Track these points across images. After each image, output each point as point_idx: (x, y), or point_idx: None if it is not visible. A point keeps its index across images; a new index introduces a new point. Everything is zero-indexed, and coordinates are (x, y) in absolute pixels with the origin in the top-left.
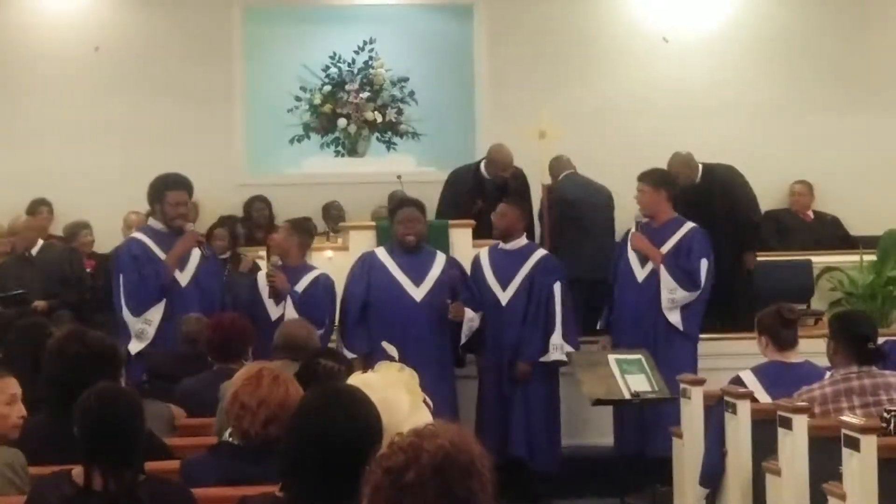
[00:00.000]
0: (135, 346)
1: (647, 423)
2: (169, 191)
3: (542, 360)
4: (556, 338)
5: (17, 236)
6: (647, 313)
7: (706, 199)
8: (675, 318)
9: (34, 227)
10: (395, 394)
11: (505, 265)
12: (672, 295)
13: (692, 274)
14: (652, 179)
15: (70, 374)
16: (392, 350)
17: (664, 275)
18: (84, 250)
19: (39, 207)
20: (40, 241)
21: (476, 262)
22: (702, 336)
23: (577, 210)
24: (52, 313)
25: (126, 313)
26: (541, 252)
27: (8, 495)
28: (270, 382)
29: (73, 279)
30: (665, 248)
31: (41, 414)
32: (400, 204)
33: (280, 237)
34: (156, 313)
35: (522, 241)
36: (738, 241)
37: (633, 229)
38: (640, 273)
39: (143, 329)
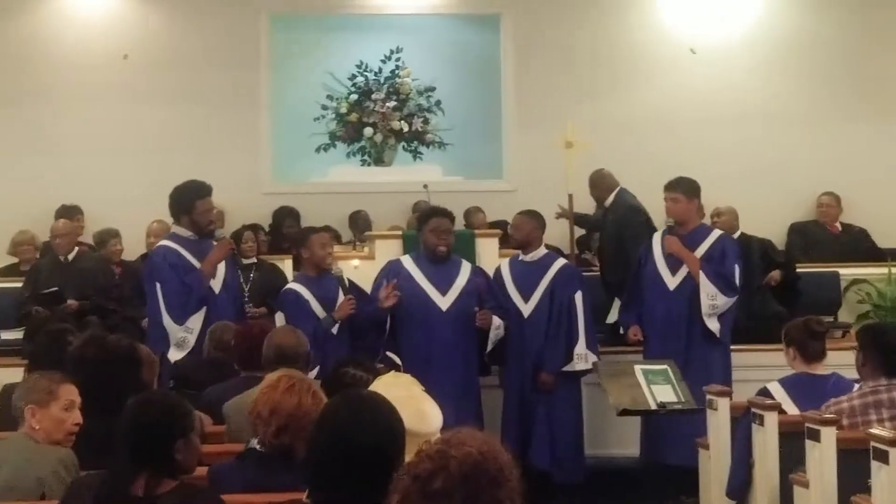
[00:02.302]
0: (175, 355)
1: (667, 432)
2: (197, 200)
3: (565, 369)
4: (580, 347)
5: (60, 238)
6: (679, 321)
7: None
8: (714, 325)
9: (75, 231)
10: (428, 405)
11: (526, 277)
12: (713, 301)
13: (729, 279)
14: (685, 189)
15: (92, 378)
16: (395, 358)
17: (704, 281)
18: (113, 258)
19: (75, 215)
20: (76, 248)
21: (497, 274)
22: (732, 347)
23: (631, 229)
24: (83, 317)
25: (168, 322)
26: (561, 262)
27: (59, 494)
28: (284, 392)
29: (105, 287)
30: (696, 255)
31: None
32: (431, 213)
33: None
34: (196, 321)
35: (542, 251)
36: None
37: (658, 235)
38: (672, 281)
39: (184, 338)
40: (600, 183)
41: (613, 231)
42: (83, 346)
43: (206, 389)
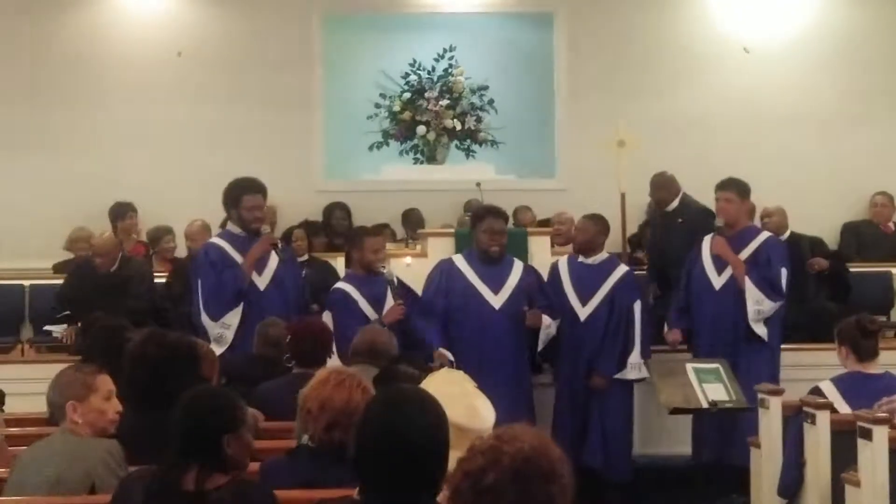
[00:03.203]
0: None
1: (726, 432)
2: (244, 195)
3: (618, 376)
4: (635, 357)
5: (101, 258)
6: (725, 321)
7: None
8: (761, 330)
9: (115, 248)
10: (481, 402)
11: (586, 280)
12: (759, 306)
13: (774, 283)
14: (738, 189)
15: (153, 376)
16: (448, 355)
17: (749, 286)
18: (166, 255)
19: (128, 212)
20: (120, 257)
21: (554, 271)
22: (782, 346)
23: (705, 232)
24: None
25: (205, 318)
26: (623, 268)
27: (110, 485)
28: (334, 387)
29: (140, 292)
30: (742, 256)
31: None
32: (485, 213)
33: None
34: (234, 317)
35: (603, 255)
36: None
37: (708, 238)
38: (717, 281)
39: (221, 334)
40: (669, 186)
41: (685, 234)
42: (144, 344)
43: (256, 385)
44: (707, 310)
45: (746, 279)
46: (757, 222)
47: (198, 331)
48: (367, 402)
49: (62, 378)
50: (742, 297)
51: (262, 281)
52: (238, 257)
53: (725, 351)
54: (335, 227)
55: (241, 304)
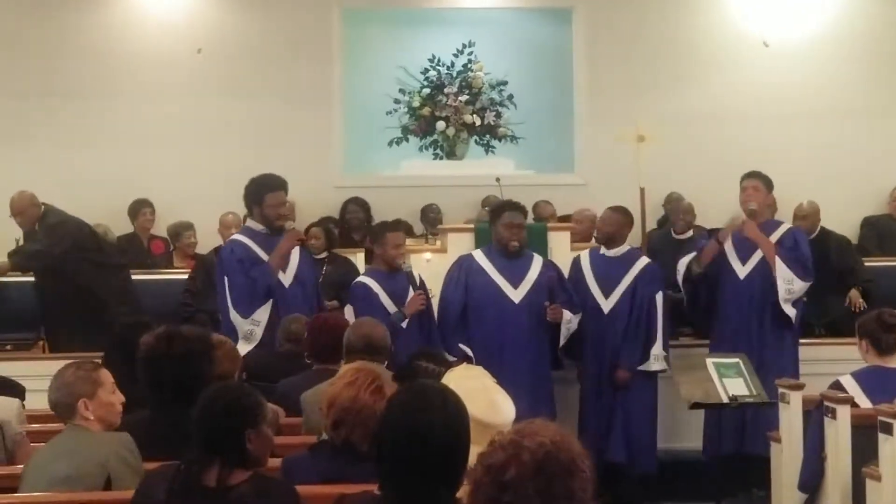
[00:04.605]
0: (243, 348)
1: (744, 424)
2: (268, 193)
3: (641, 368)
4: (657, 348)
5: (18, 217)
6: (749, 311)
7: (820, 259)
8: (790, 310)
9: (31, 203)
10: (501, 397)
11: (608, 272)
12: (790, 286)
13: (805, 262)
14: (764, 180)
15: (177, 373)
16: (467, 350)
17: (780, 265)
18: (187, 251)
19: (143, 209)
20: (41, 216)
21: (577, 265)
22: (801, 341)
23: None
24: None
25: (234, 315)
26: (644, 260)
27: (125, 477)
28: (345, 385)
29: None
30: None
31: (143, 411)
32: (504, 207)
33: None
34: (263, 314)
35: (625, 247)
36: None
37: (729, 225)
38: (742, 270)
39: (251, 330)
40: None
41: None
42: (166, 341)
43: (278, 382)
44: (730, 299)
45: (777, 258)
46: (790, 220)
47: (221, 327)
48: (390, 398)
49: (65, 377)
50: (768, 286)
51: (286, 278)
52: (262, 254)
53: (749, 340)
54: (350, 222)
55: (271, 300)
